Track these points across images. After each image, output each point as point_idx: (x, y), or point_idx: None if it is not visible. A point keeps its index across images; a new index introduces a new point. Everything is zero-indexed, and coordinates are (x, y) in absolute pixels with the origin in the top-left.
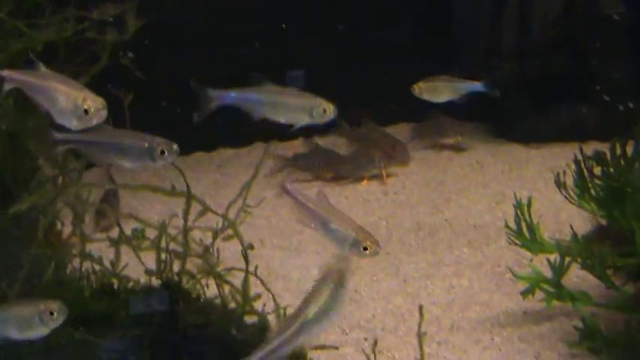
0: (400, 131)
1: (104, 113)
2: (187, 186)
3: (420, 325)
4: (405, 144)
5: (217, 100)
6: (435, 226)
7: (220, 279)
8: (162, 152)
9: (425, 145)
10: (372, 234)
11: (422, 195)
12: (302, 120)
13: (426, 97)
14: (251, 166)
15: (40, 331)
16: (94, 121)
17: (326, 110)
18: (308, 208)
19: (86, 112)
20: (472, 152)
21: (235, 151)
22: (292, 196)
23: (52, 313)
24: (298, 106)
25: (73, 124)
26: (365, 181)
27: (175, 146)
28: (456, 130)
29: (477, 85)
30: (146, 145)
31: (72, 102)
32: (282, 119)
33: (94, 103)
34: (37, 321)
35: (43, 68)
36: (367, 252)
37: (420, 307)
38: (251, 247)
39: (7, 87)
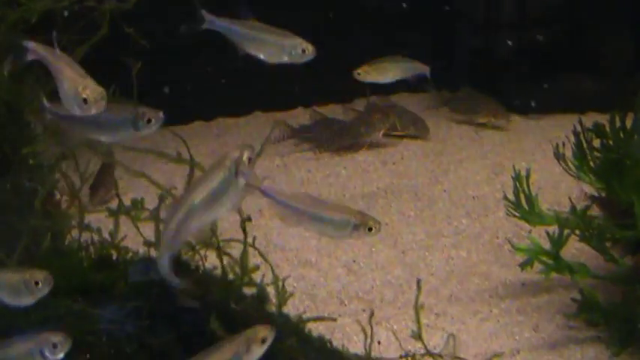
0: (401, 100)
1: (103, 103)
2: (190, 155)
3: (417, 299)
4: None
5: (208, 23)
6: (434, 197)
7: (219, 251)
8: (149, 120)
9: (458, 120)
10: (367, 211)
11: (420, 166)
12: (280, 58)
13: (371, 79)
14: (250, 135)
15: (25, 300)
16: (93, 111)
17: (305, 50)
18: (292, 207)
19: (85, 101)
20: (471, 123)
21: (234, 121)
22: (272, 198)
23: (37, 283)
24: (278, 44)
25: (75, 110)
26: (364, 149)
27: (160, 114)
28: (491, 109)
29: (421, 68)
30: (131, 115)
31: (73, 88)
32: (261, 55)
33: (93, 92)
34: (23, 289)
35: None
36: (372, 232)
37: (418, 281)
38: (249, 219)
39: (28, 58)
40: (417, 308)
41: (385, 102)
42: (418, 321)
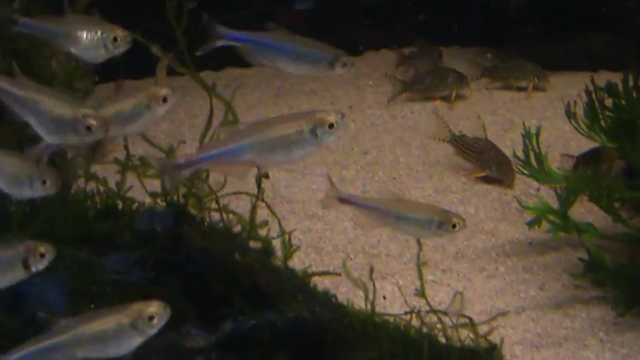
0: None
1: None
2: (210, 90)
3: (418, 257)
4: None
5: (224, 39)
6: (443, 152)
7: (225, 208)
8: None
9: (498, 87)
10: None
11: (430, 120)
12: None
13: None
14: (258, 87)
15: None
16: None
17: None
18: (375, 209)
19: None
20: (482, 80)
21: (243, 71)
22: (354, 204)
23: (42, 256)
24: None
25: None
26: (438, 101)
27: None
28: (535, 73)
29: None
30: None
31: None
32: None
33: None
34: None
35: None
36: (456, 229)
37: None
38: (266, 175)
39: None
40: (419, 265)
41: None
42: (421, 278)
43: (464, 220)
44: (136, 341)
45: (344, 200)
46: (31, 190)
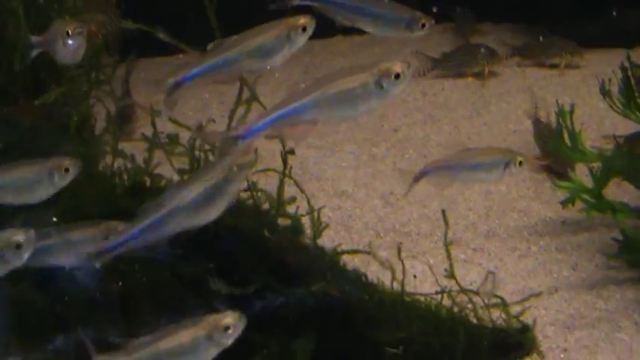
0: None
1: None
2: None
3: (445, 235)
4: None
5: None
6: (474, 130)
7: (253, 186)
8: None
9: (530, 64)
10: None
11: (461, 97)
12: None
13: None
14: (286, 63)
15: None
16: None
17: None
18: (450, 165)
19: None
20: (512, 58)
21: None
22: (436, 171)
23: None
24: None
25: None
26: (470, 78)
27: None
28: (568, 49)
29: None
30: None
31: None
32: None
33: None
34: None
35: None
36: (522, 165)
37: (443, 212)
38: (292, 152)
39: None
40: (447, 244)
41: None
42: (449, 258)
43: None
44: (212, 353)
45: (419, 177)
46: (54, 185)
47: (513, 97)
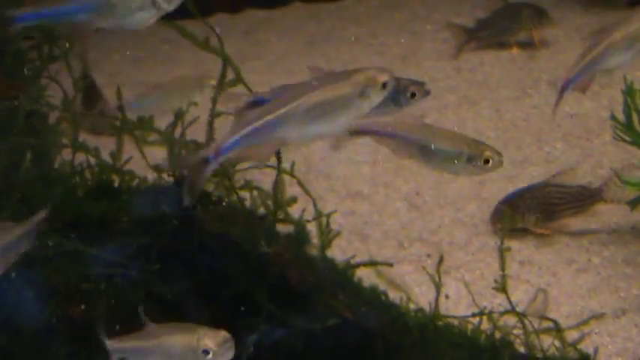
0: None
1: None
2: (221, 43)
3: (502, 239)
4: None
5: None
6: (521, 115)
7: (249, 185)
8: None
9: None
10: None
11: (504, 74)
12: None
13: None
14: (287, 32)
15: None
16: None
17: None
18: (396, 136)
19: None
20: (571, 21)
21: (267, 13)
22: (372, 132)
23: None
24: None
25: None
26: (514, 49)
27: None
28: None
29: None
30: None
31: None
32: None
33: None
34: None
35: None
36: (489, 165)
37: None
38: None
39: None
40: (502, 251)
41: None
42: (503, 265)
43: (500, 155)
44: None
45: (362, 130)
46: None
47: None
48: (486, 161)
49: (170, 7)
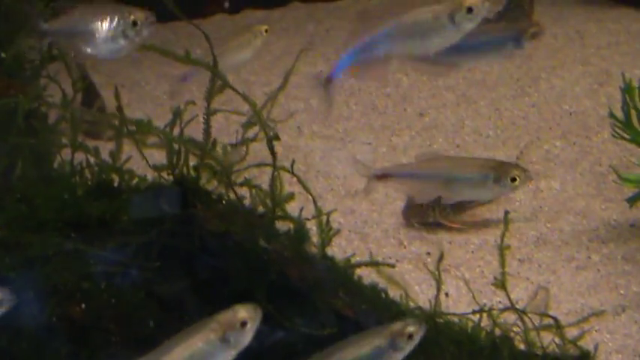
0: None
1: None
2: (213, 54)
3: (502, 237)
4: None
5: None
6: (520, 113)
7: (228, 179)
8: (135, 24)
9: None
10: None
11: (503, 72)
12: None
13: None
14: (286, 32)
15: None
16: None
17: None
18: (419, 176)
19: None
20: (570, 19)
21: (265, 13)
22: (393, 175)
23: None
24: None
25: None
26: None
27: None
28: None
29: None
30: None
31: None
32: None
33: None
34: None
35: None
36: (517, 183)
37: (506, 214)
38: (276, 137)
39: None
40: (502, 248)
41: None
42: (503, 266)
43: (527, 171)
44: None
45: (381, 176)
46: None
47: (568, 71)
48: (513, 179)
49: (141, 39)
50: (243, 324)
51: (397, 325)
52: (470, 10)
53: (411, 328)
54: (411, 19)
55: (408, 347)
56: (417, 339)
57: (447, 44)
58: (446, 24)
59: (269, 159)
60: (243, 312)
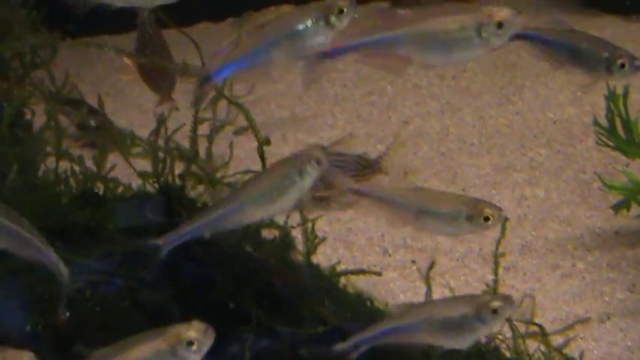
0: None
1: None
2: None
3: (498, 243)
4: None
5: None
6: (504, 121)
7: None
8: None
9: None
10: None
11: (487, 81)
12: None
13: None
14: None
15: None
16: None
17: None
18: (392, 202)
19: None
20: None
21: None
22: (370, 196)
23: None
24: None
25: None
26: None
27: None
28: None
29: None
30: None
31: None
32: None
33: None
34: None
35: None
36: (490, 222)
37: (504, 221)
38: (267, 141)
39: None
40: (497, 256)
41: None
42: (496, 269)
43: (501, 211)
44: None
45: (357, 193)
46: None
47: (552, 78)
48: (486, 219)
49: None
50: (190, 344)
51: (484, 298)
52: (500, 25)
53: (496, 303)
54: (434, 27)
55: (493, 322)
56: (502, 315)
57: (467, 59)
58: (472, 37)
59: (255, 167)
60: (192, 332)
